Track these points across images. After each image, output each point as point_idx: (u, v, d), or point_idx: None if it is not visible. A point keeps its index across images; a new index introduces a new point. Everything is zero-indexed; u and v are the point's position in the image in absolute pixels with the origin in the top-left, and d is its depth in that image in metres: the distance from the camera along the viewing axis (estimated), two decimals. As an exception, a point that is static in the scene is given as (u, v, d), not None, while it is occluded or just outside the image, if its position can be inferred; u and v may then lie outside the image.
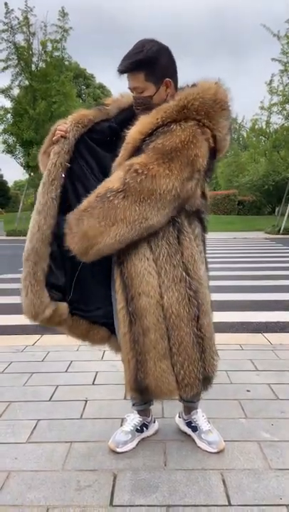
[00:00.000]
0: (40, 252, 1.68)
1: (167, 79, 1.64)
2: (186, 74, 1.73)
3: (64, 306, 1.76)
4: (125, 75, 1.65)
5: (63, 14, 17.82)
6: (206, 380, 1.71)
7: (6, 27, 17.65)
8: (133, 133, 1.58)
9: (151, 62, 1.60)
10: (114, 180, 1.55)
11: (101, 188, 1.57)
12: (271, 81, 17.68)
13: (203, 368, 1.68)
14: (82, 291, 1.80)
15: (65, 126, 1.70)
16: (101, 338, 1.88)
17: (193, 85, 1.63)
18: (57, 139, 1.69)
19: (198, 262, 1.69)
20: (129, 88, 1.68)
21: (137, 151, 1.57)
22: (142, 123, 1.58)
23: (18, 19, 17.73)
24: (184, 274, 1.64)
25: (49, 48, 18.31)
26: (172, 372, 1.65)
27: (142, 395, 1.72)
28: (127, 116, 1.74)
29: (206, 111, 1.55)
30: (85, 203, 1.58)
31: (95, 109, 1.81)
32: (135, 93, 1.66)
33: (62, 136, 1.69)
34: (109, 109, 1.81)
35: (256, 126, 19.79)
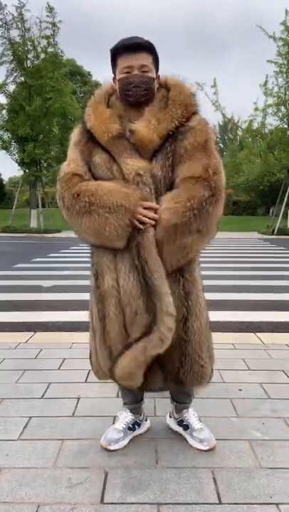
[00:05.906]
0: None
1: (159, 74, 1.71)
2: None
3: None
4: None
5: (50, 9, 17.74)
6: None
7: (0, 22, 17.55)
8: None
9: (156, 52, 1.68)
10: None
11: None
12: (266, 82, 17.67)
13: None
14: None
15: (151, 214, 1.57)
16: None
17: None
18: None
19: None
20: (129, 66, 1.62)
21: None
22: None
23: (13, 15, 17.64)
24: None
25: (43, 43, 18.22)
26: None
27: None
28: None
29: None
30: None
31: None
32: (139, 72, 1.63)
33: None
34: None
35: (251, 127, 19.76)
